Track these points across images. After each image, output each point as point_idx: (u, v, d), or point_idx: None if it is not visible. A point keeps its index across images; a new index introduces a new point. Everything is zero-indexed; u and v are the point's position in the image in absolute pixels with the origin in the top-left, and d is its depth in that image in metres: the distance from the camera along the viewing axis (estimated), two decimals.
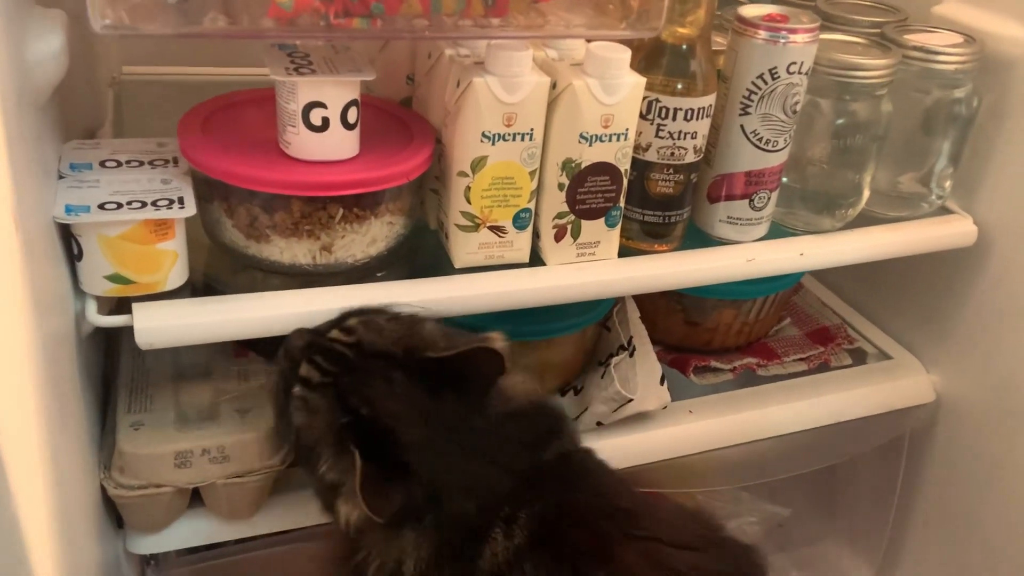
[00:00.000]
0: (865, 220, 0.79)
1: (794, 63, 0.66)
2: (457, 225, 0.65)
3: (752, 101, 0.68)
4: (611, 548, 0.52)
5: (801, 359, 0.91)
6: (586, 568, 0.51)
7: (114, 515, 0.64)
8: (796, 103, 0.69)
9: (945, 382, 0.91)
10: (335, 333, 0.56)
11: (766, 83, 0.67)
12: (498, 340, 0.56)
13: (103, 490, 0.61)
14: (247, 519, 0.66)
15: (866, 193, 0.77)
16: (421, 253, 0.69)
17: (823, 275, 1.03)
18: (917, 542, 0.98)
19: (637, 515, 0.55)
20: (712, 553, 0.56)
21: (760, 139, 0.70)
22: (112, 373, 0.67)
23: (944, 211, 0.83)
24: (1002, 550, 0.87)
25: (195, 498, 0.64)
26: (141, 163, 0.62)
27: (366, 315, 0.58)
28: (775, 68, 0.67)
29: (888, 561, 1.01)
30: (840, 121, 0.73)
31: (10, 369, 0.41)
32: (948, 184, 0.81)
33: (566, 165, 0.64)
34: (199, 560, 0.70)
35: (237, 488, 0.63)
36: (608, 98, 0.62)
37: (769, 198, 0.73)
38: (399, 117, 0.69)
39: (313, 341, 0.56)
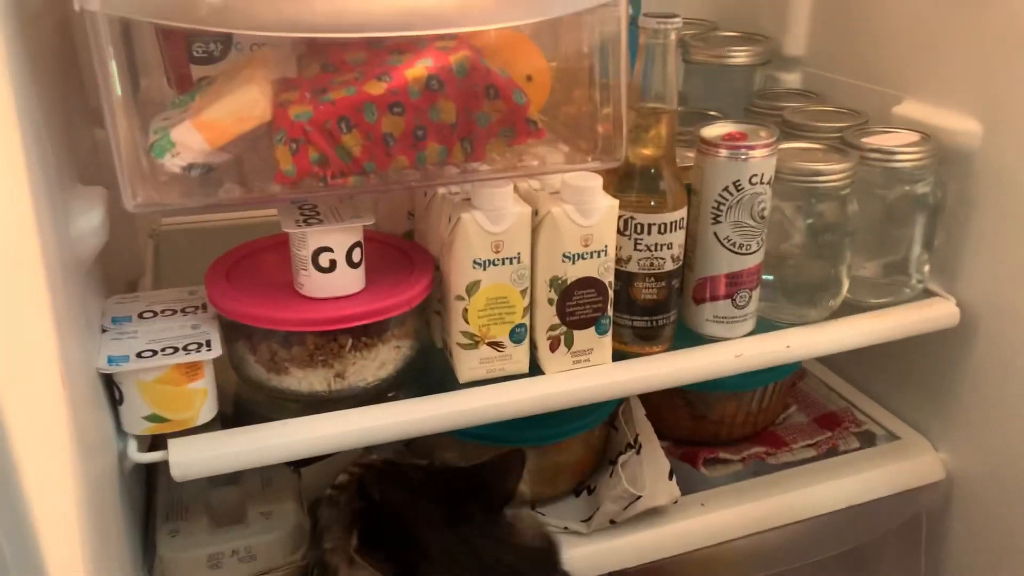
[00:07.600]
0: (850, 308, 0.83)
1: (755, 175, 0.73)
2: (459, 344, 0.71)
3: (721, 211, 0.74)
4: None
5: (809, 445, 0.93)
6: None
7: None
8: (763, 209, 0.75)
9: (954, 459, 0.92)
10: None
11: (732, 194, 0.73)
12: None
13: None
14: None
15: (845, 283, 0.82)
16: (431, 371, 0.75)
17: (826, 358, 1.06)
18: None
19: None
20: None
21: (733, 244, 0.75)
22: (153, 489, 0.74)
23: (927, 294, 0.87)
24: None
25: None
26: (175, 311, 0.70)
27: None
28: (738, 180, 0.73)
29: None
30: (809, 221, 0.78)
31: (57, 513, 0.47)
32: (926, 268, 0.85)
33: (553, 282, 0.71)
34: None
35: None
36: (585, 221, 0.69)
37: (750, 296, 0.78)
38: (402, 249, 0.76)
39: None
